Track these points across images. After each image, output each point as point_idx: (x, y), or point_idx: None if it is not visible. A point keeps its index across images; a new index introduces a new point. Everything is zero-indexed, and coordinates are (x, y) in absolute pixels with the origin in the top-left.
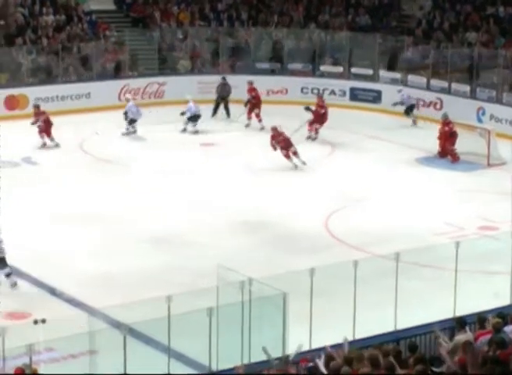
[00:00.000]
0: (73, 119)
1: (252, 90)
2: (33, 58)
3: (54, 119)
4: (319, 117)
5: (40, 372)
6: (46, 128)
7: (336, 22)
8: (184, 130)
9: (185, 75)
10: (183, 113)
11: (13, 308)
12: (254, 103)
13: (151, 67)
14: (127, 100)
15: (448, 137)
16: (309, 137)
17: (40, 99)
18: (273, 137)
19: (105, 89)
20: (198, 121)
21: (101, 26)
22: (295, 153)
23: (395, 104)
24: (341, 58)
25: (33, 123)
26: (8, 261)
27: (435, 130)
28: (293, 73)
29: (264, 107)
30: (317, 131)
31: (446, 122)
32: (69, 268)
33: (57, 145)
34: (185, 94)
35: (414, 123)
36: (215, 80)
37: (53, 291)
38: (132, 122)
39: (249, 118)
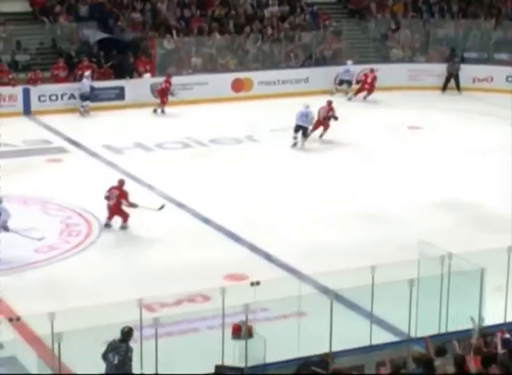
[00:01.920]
0: (293, 101)
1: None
2: (258, 45)
3: (274, 102)
4: None
5: (255, 329)
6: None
7: None
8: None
9: (396, 63)
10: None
11: (233, 271)
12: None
13: (365, 55)
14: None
15: None
16: None
17: (263, 83)
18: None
19: (322, 75)
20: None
21: (322, 16)
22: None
23: None
24: None
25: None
26: (231, 228)
27: None
28: (499, 62)
29: (469, 93)
30: None
31: None
32: (284, 237)
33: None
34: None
35: None
36: (424, 68)
37: (268, 257)
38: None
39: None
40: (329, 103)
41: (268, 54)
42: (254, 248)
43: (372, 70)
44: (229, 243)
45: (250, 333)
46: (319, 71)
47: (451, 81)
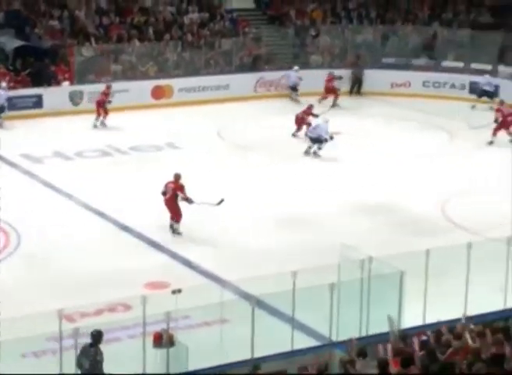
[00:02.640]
0: (213, 108)
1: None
2: (178, 52)
3: (195, 109)
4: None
5: (176, 337)
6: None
7: (458, 20)
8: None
9: (316, 69)
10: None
11: (154, 279)
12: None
13: (285, 61)
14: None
15: None
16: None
17: (184, 89)
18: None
19: (243, 81)
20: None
21: (241, 23)
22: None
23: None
24: (462, 54)
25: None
26: (151, 236)
27: None
28: (416, 67)
29: (387, 98)
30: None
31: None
32: (204, 243)
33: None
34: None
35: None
36: (344, 73)
37: (189, 264)
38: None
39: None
40: (310, 107)
41: (189, 61)
42: (174, 256)
43: (331, 73)
44: (150, 251)
45: (171, 342)
46: (240, 78)
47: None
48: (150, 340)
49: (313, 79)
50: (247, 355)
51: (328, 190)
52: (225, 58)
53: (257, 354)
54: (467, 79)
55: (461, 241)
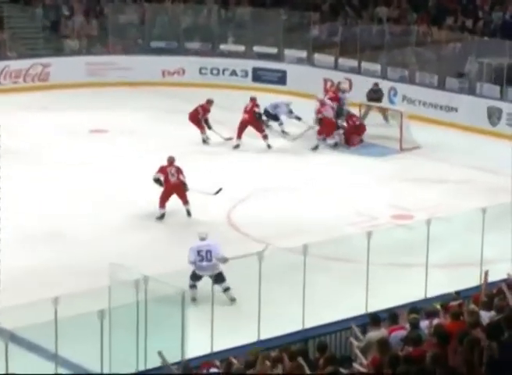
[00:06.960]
0: None
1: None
2: None
3: None
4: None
5: None
6: None
7: None
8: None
9: (72, 55)
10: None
11: None
12: None
13: (34, 47)
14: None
15: (354, 130)
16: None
17: None
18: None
19: None
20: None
21: None
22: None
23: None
24: (243, 36)
25: None
26: None
27: None
28: (191, 52)
29: (159, 89)
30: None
31: (349, 115)
32: None
33: None
34: None
35: None
36: (104, 60)
37: None
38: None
39: None
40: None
41: None
42: None
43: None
44: None
45: None
46: None
47: None
48: None
49: (68, 68)
50: None
51: (94, 200)
52: None
53: None
54: (249, 64)
55: (249, 252)
